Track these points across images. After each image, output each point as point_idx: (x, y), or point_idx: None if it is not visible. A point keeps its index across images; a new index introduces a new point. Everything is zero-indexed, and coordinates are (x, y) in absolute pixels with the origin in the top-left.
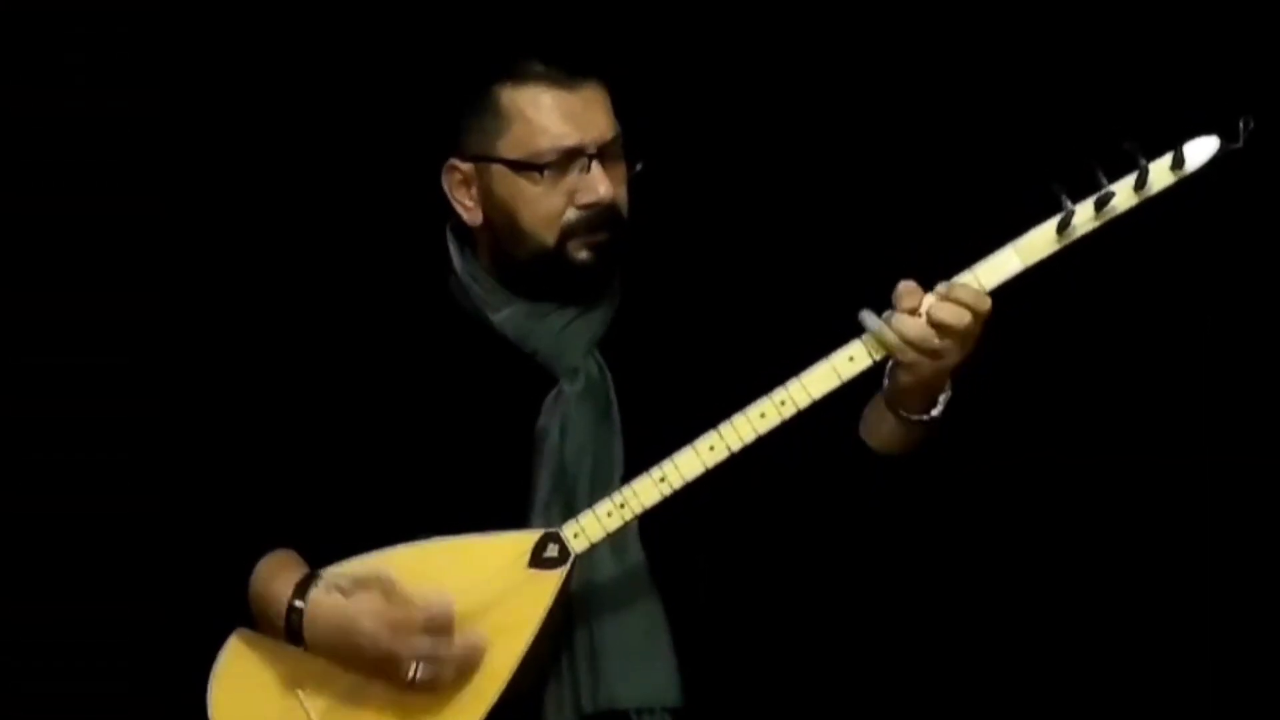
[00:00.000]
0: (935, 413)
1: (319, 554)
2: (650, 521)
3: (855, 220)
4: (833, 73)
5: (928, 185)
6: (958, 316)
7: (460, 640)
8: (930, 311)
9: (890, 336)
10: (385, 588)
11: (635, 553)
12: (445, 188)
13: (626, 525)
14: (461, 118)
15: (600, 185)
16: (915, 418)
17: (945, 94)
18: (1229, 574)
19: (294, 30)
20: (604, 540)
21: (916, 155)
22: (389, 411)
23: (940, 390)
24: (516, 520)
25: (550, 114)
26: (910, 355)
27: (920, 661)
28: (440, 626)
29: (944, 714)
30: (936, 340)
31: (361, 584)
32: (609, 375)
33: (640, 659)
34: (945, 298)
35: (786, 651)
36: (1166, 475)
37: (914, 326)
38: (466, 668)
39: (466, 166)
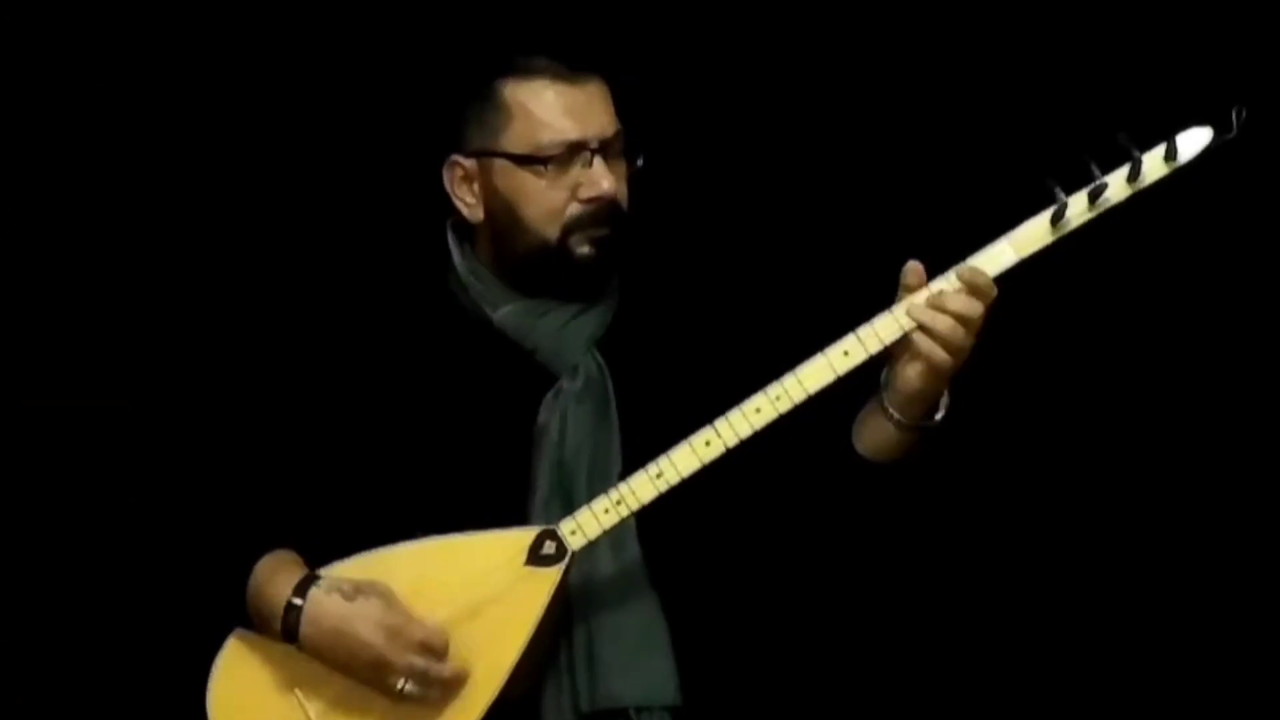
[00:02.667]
0: (938, 417)
1: (317, 552)
2: (648, 519)
3: (852, 217)
4: (830, 69)
5: (922, 180)
6: (972, 306)
7: (451, 665)
8: (945, 302)
9: (923, 313)
10: (386, 597)
11: (633, 550)
12: (446, 184)
13: (623, 522)
14: (464, 114)
15: (603, 180)
16: (917, 424)
17: (940, 88)
18: (1227, 581)
19: (293, 26)
20: (602, 537)
21: (911, 150)
22: (388, 409)
23: (941, 394)
24: (516, 517)
25: (553, 109)
26: (944, 333)
27: (919, 660)
28: (435, 649)
29: (943, 712)
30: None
31: (363, 590)
32: (608, 373)
33: (638, 657)
34: (960, 286)
35: (785, 650)
36: (1163, 476)
37: (956, 299)
38: (453, 689)
39: (469, 162)
